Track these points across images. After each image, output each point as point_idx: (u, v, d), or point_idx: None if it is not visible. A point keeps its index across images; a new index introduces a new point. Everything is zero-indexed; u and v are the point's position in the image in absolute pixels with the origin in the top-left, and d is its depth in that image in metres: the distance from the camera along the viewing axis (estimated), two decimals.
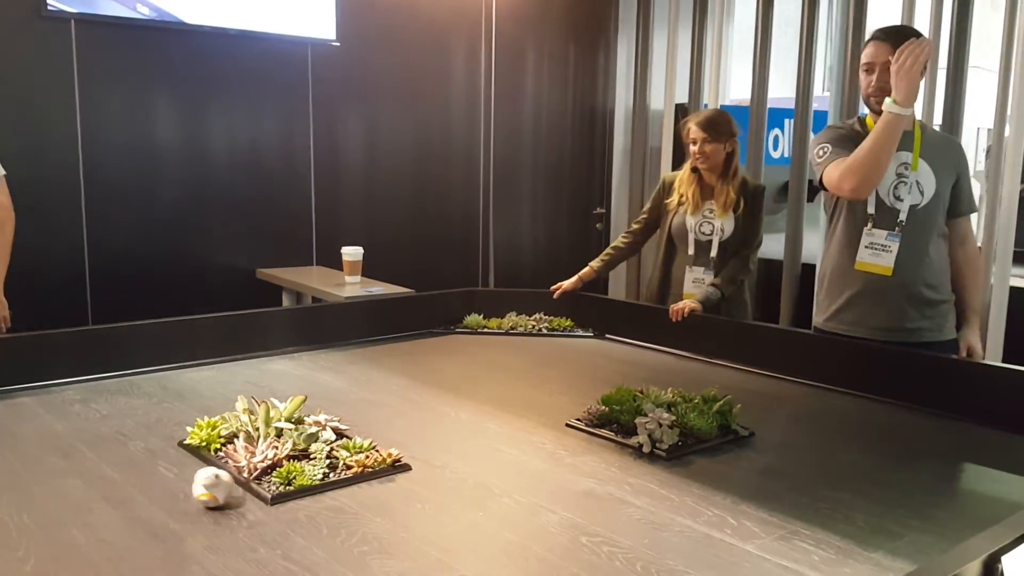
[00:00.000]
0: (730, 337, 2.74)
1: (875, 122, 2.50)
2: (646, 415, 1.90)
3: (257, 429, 1.82)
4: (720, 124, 3.04)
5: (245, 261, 4.20)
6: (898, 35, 2.44)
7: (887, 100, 2.31)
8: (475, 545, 1.41)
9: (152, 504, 1.53)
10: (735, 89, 5.32)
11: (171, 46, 3.91)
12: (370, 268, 3.92)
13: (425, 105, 4.71)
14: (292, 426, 1.82)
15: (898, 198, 2.47)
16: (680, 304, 2.84)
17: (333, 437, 1.82)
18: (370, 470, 1.68)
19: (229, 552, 1.35)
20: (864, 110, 2.60)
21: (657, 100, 4.91)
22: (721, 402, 1.98)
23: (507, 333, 3.03)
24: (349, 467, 1.68)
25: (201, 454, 1.76)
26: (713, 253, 3.06)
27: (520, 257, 5.10)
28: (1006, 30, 3.51)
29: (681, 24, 4.73)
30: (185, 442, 1.82)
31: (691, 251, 3.09)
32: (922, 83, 2.38)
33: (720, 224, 3.05)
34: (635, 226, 3.29)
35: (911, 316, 2.48)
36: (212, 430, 1.84)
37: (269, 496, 1.55)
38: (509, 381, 2.47)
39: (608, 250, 3.29)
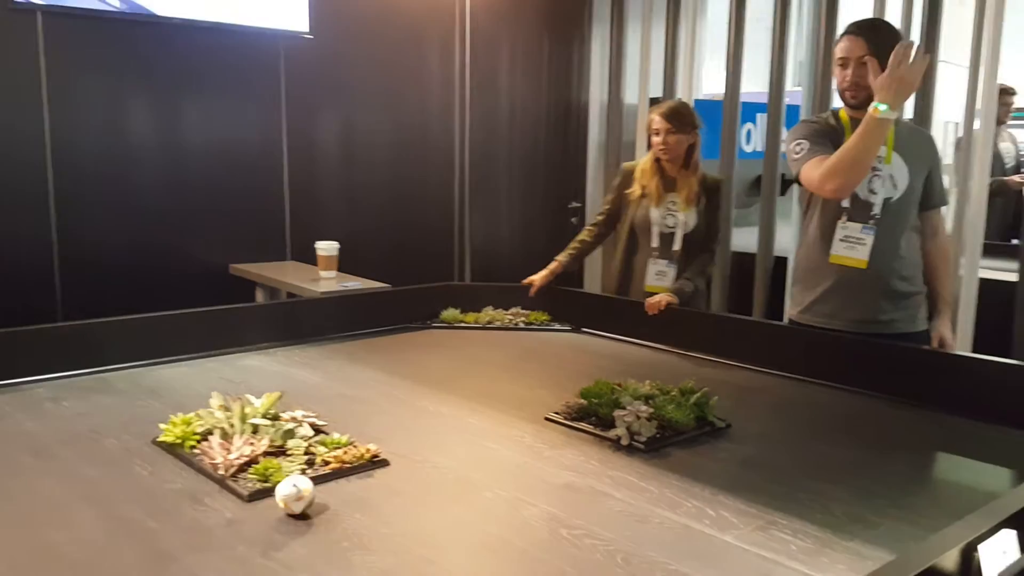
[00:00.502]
0: (706, 330, 2.76)
1: (849, 116, 2.53)
2: (624, 408, 1.90)
3: (233, 426, 1.80)
4: (684, 116, 3.06)
5: (219, 256, 4.16)
6: (872, 29, 2.47)
7: (876, 104, 2.27)
8: (457, 539, 1.40)
9: (128, 503, 1.51)
10: (708, 84, 5.35)
11: (142, 38, 3.86)
12: (346, 263, 3.89)
13: (400, 98, 4.68)
14: (268, 422, 1.81)
15: (872, 191, 2.49)
16: (656, 298, 2.86)
17: (311, 433, 1.81)
18: (349, 466, 1.66)
19: (209, 550, 1.34)
20: (838, 103, 2.61)
21: (631, 95, 4.93)
22: (698, 394, 1.99)
23: (484, 327, 3.03)
24: (327, 463, 1.67)
25: (176, 452, 1.74)
26: (676, 247, 3.09)
27: (496, 251, 5.09)
28: (975, 25, 3.56)
29: (655, 19, 4.75)
30: (159, 439, 1.80)
31: (655, 244, 3.11)
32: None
33: (684, 218, 3.08)
34: (599, 217, 3.30)
35: (884, 308, 2.51)
36: (187, 427, 1.82)
37: (247, 493, 1.54)
38: (487, 375, 2.47)
39: (574, 243, 3.29)
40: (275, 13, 4.12)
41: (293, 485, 1.47)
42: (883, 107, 2.25)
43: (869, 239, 2.47)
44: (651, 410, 1.90)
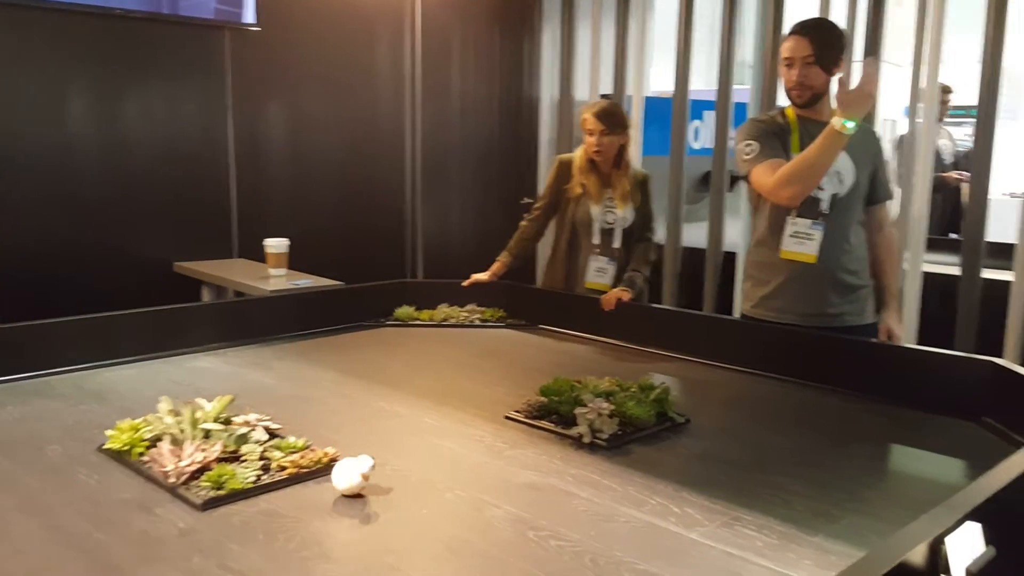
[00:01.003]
0: (662, 325, 2.77)
1: (796, 114, 2.56)
2: (585, 405, 1.89)
3: (183, 431, 1.74)
4: (617, 116, 3.08)
5: (162, 254, 4.04)
6: (817, 29, 2.51)
7: (843, 121, 2.29)
8: (421, 543, 1.37)
9: (73, 513, 1.45)
10: (657, 81, 5.38)
11: (81, 29, 3.73)
12: (296, 260, 3.82)
13: (350, 92, 4.61)
14: (221, 427, 1.75)
15: (820, 188, 2.51)
16: (611, 293, 2.86)
17: (265, 437, 1.76)
18: (306, 470, 1.62)
19: (161, 562, 1.29)
20: (784, 101, 2.64)
21: (582, 91, 4.93)
22: (658, 390, 1.99)
23: (439, 325, 3.00)
24: (283, 468, 1.62)
25: (124, 459, 1.68)
26: (616, 243, 3.11)
27: (449, 248, 5.06)
28: (917, 25, 3.63)
29: (604, 16, 4.75)
30: (106, 446, 1.73)
31: (596, 240, 3.12)
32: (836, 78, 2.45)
33: (622, 214, 3.11)
34: (536, 212, 3.29)
35: (834, 302, 2.55)
36: (134, 433, 1.75)
37: (200, 502, 1.48)
38: (445, 374, 2.44)
39: (514, 238, 3.28)
40: (220, 3, 4.02)
41: (357, 475, 1.52)
42: (850, 124, 2.29)
43: (818, 234, 2.50)
44: (612, 407, 1.89)
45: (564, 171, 3.19)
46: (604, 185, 3.12)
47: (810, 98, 2.51)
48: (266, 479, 1.59)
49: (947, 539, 1.09)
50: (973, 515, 1.14)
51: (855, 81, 2.35)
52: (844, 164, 2.52)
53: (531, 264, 4.65)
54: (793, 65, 2.48)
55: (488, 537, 1.39)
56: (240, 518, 1.44)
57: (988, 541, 1.13)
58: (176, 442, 1.71)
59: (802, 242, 2.52)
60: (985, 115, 3.46)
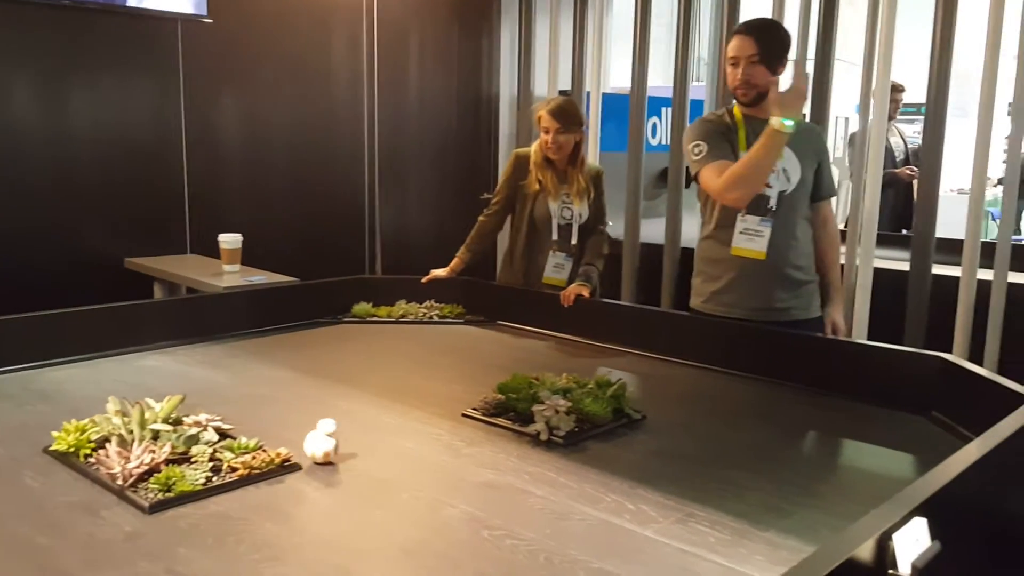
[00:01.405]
0: (620, 321, 2.78)
1: (743, 113, 2.60)
2: (542, 402, 1.89)
3: (131, 432, 1.71)
4: (573, 114, 3.08)
5: (112, 249, 3.96)
6: (760, 29, 2.55)
7: (783, 120, 2.35)
8: (374, 545, 1.36)
9: (17, 517, 1.41)
10: (616, 77, 5.40)
11: (29, 20, 3.63)
12: (252, 257, 3.76)
13: (306, 86, 4.55)
14: (170, 428, 1.72)
15: (767, 185, 2.56)
16: (570, 289, 2.87)
17: (216, 438, 1.72)
18: (257, 471, 1.59)
19: (107, 567, 1.26)
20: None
21: (541, 86, 4.92)
22: (615, 386, 1.99)
23: (397, 321, 2.98)
24: (234, 469, 1.60)
25: (70, 461, 1.64)
26: (573, 240, 3.13)
27: (408, 243, 5.02)
28: (869, 24, 3.68)
29: (562, 12, 4.75)
30: (52, 448, 1.69)
31: (554, 237, 3.13)
32: (790, 76, 2.49)
33: (578, 210, 3.12)
34: (494, 207, 3.27)
35: (781, 296, 2.60)
36: (81, 434, 1.71)
37: (147, 505, 1.45)
38: (402, 371, 2.42)
39: (472, 235, 3.27)
40: None
41: (324, 447, 1.65)
42: (788, 123, 2.35)
43: (766, 231, 2.55)
44: (569, 404, 1.89)
45: (521, 166, 3.18)
46: (561, 181, 3.13)
47: (755, 97, 2.54)
48: (217, 481, 1.56)
49: (894, 535, 1.10)
50: (919, 511, 1.15)
51: (790, 82, 2.41)
52: (790, 162, 2.57)
53: (491, 260, 4.64)
54: (738, 64, 2.52)
55: (443, 537, 1.39)
56: (189, 521, 1.42)
57: (934, 536, 1.15)
58: (124, 443, 1.68)
59: (752, 239, 2.56)
60: (934, 112, 3.52)
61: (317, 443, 1.67)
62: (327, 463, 1.66)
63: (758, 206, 2.56)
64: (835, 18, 3.80)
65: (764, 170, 2.44)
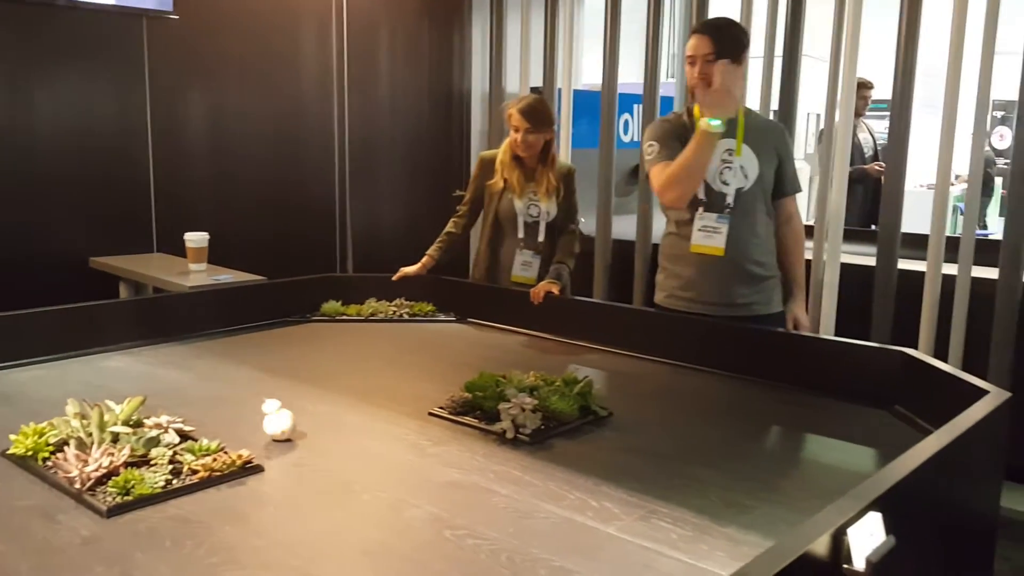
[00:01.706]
0: (589, 318, 2.78)
1: (700, 112, 2.61)
2: (509, 401, 1.89)
3: (90, 435, 1.68)
4: (543, 113, 3.08)
5: (77, 249, 3.90)
6: (715, 29, 2.58)
7: (709, 120, 2.40)
8: (334, 548, 1.35)
9: None
10: (588, 74, 5.40)
11: None
12: (221, 256, 3.72)
13: (274, 83, 4.51)
14: (130, 430, 1.69)
15: (725, 183, 2.59)
16: (540, 286, 2.87)
17: (177, 440, 1.71)
18: (218, 474, 1.58)
19: (62, 572, 1.24)
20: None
21: (512, 83, 4.92)
22: (581, 384, 2.00)
23: (367, 320, 2.96)
24: (195, 472, 1.58)
25: (28, 465, 1.61)
26: (541, 237, 3.13)
27: (380, 241, 5.00)
28: (835, 21, 3.71)
29: (534, 8, 4.75)
30: (9, 452, 1.66)
31: (520, 235, 3.14)
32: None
33: (546, 208, 3.12)
34: (463, 208, 3.30)
35: (742, 292, 2.62)
36: (39, 438, 1.69)
37: (105, 508, 1.43)
38: (370, 370, 2.41)
39: (442, 236, 3.28)
40: None
41: (281, 425, 1.78)
42: (715, 123, 2.40)
43: (724, 227, 2.58)
44: (535, 402, 1.89)
45: (486, 168, 3.20)
46: (528, 179, 3.12)
47: None
48: (177, 483, 1.54)
49: (849, 530, 1.11)
50: (875, 505, 1.16)
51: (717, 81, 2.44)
52: (748, 159, 2.59)
53: (464, 258, 4.63)
54: (695, 63, 2.55)
55: (405, 538, 1.38)
56: (147, 524, 1.40)
57: (889, 530, 1.16)
58: (83, 446, 1.65)
59: (710, 235, 2.60)
60: (899, 108, 3.55)
61: (274, 422, 1.78)
62: (287, 440, 1.78)
63: (716, 203, 2.60)
64: (802, 14, 3.83)
65: (696, 171, 2.49)
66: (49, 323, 2.43)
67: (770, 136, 2.68)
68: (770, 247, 2.68)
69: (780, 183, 2.68)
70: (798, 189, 2.75)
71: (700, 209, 2.61)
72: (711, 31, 2.55)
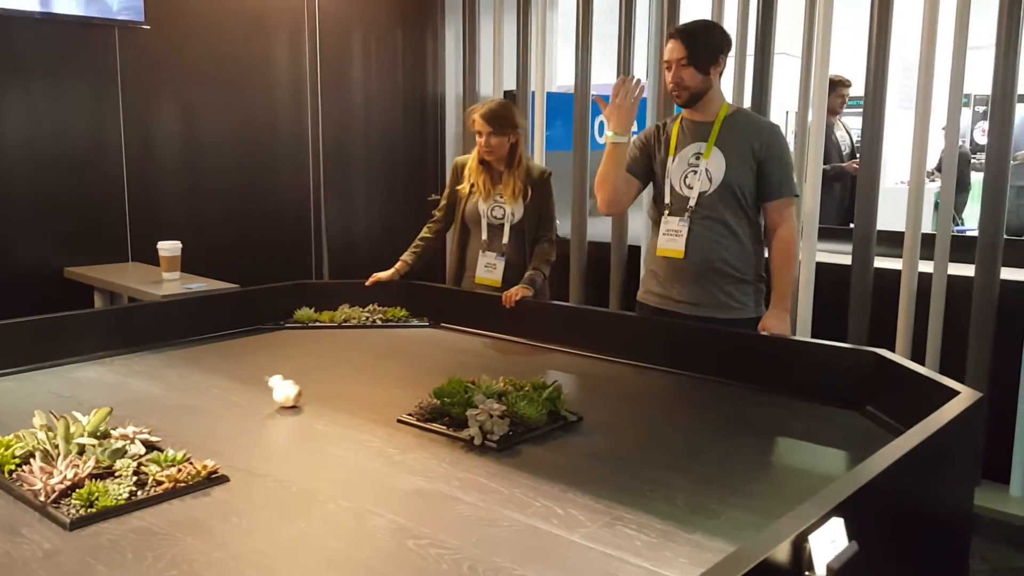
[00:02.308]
0: (561, 321, 2.78)
1: (682, 116, 2.68)
2: (476, 407, 1.88)
3: (56, 447, 1.67)
4: (504, 117, 3.07)
5: (51, 259, 3.87)
6: (688, 32, 2.60)
7: (607, 132, 2.56)
8: (296, 558, 1.34)
9: None
10: (563, 75, 5.39)
11: None
12: (195, 265, 3.70)
13: (247, 91, 4.48)
14: (95, 441, 1.68)
15: (688, 186, 2.62)
16: (511, 291, 2.86)
17: (143, 451, 1.69)
18: (183, 485, 1.57)
19: None
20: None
21: (486, 86, 4.91)
22: (550, 388, 1.99)
23: (340, 326, 2.95)
24: (160, 483, 1.57)
25: None
26: (505, 239, 3.12)
27: (355, 247, 4.98)
28: (807, 18, 3.72)
29: (506, 11, 4.74)
30: None
31: (484, 236, 3.14)
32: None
33: (511, 209, 3.11)
34: (437, 213, 3.31)
35: (710, 292, 2.61)
36: (5, 450, 1.67)
37: (68, 521, 1.42)
38: (340, 377, 2.40)
39: (417, 242, 3.28)
40: (107, 2, 3.85)
41: (287, 392, 2.04)
42: (610, 134, 2.56)
43: (684, 230, 2.60)
44: (504, 407, 1.88)
45: (458, 173, 3.22)
46: (495, 182, 3.13)
47: (688, 98, 2.61)
48: (141, 495, 1.53)
49: (811, 536, 1.11)
50: (837, 511, 1.16)
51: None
52: (715, 161, 2.59)
53: (439, 262, 4.62)
54: (671, 68, 2.58)
55: (368, 548, 1.37)
56: (109, 537, 1.39)
57: (851, 536, 1.16)
58: (48, 458, 1.64)
59: (672, 239, 2.63)
60: (873, 105, 3.55)
61: (281, 390, 2.02)
62: (294, 407, 2.03)
63: (679, 207, 2.63)
64: (774, 10, 3.82)
65: (604, 178, 2.63)
66: (19, 334, 2.41)
67: (751, 138, 2.60)
68: (742, 251, 2.63)
69: (764, 187, 2.60)
70: (787, 194, 2.62)
71: (665, 212, 2.64)
72: (683, 35, 2.57)
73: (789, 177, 2.65)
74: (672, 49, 2.57)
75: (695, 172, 2.60)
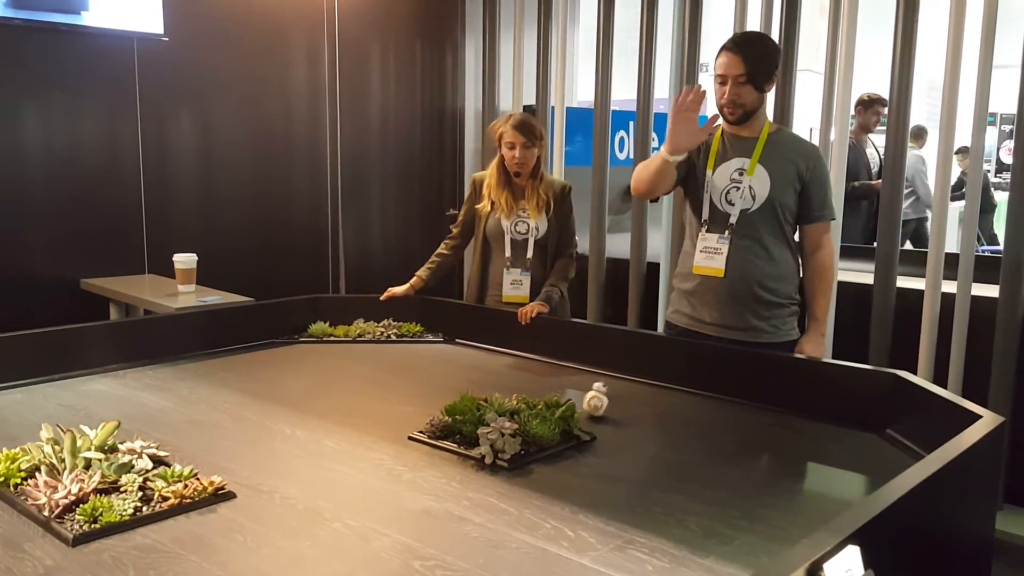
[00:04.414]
0: (576, 339, 2.75)
1: (727, 131, 2.57)
2: (488, 425, 1.85)
3: (62, 461, 1.66)
4: (535, 127, 3.05)
5: (67, 271, 3.88)
6: (750, 46, 2.48)
7: (668, 153, 2.40)
8: None
9: None
10: (584, 91, 5.38)
11: None
12: (211, 277, 3.70)
13: (265, 104, 4.50)
14: (102, 456, 1.66)
15: (730, 203, 2.52)
16: (527, 307, 2.83)
17: (150, 465, 1.67)
18: (189, 501, 1.55)
19: None
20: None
21: (506, 101, 4.90)
22: (563, 408, 1.96)
23: (354, 341, 2.93)
24: (165, 499, 1.55)
25: None
26: (529, 254, 3.08)
27: (371, 261, 4.97)
28: (830, 36, 3.68)
29: (527, 26, 4.74)
30: None
31: (508, 252, 3.09)
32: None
33: (535, 224, 3.07)
34: (455, 230, 3.27)
35: (743, 316, 2.53)
36: (11, 463, 1.66)
37: (71, 536, 1.40)
38: (352, 392, 2.37)
39: (433, 258, 3.24)
40: (127, 14, 3.88)
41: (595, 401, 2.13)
42: (673, 157, 2.42)
43: (725, 248, 2.51)
44: (515, 426, 1.85)
45: (477, 189, 3.17)
46: (517, 197, 3.09)
47: (741, 116, 2.50)
48: (146, 511, 1.51)
49: (826, 564, 1.07)
50: (854, 538, 1.12)
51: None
52: (759, 179, 2.50)
53: (452, 279, 4.60)
54: (725, 82, 2.46)
55: (372, 569, 1.34)
56: (112, 554, 1.37)
57: (867, 564, 1.12)
58: (54, 472, 1.63)
59: (711, 256, 2.53)
60: (896, 124, 3.51)
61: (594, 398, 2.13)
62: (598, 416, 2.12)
63: (718, 224, 2.53)
64: (796, 27, 3.79)
65: (645, 173, 2.50)
66: (30, 346, 2.41)
67: (795, 158, 2.53)
68: (783, 273, 2.55)
69: (805, 209, 2.54)
70: (827, 217, 2.57)
71: (703, 229, 2.54)
72: (743, 49, 2.43)
73: (830, 200, 2.61)
74: (729, 64, 2.43)
75: (737, 189, 2.51)
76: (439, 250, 3.25)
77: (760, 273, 2.53)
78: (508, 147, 3.02)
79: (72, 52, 3.80)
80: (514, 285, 3.06)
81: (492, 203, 3.09)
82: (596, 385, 2.16)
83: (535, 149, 3.03)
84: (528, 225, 3.07)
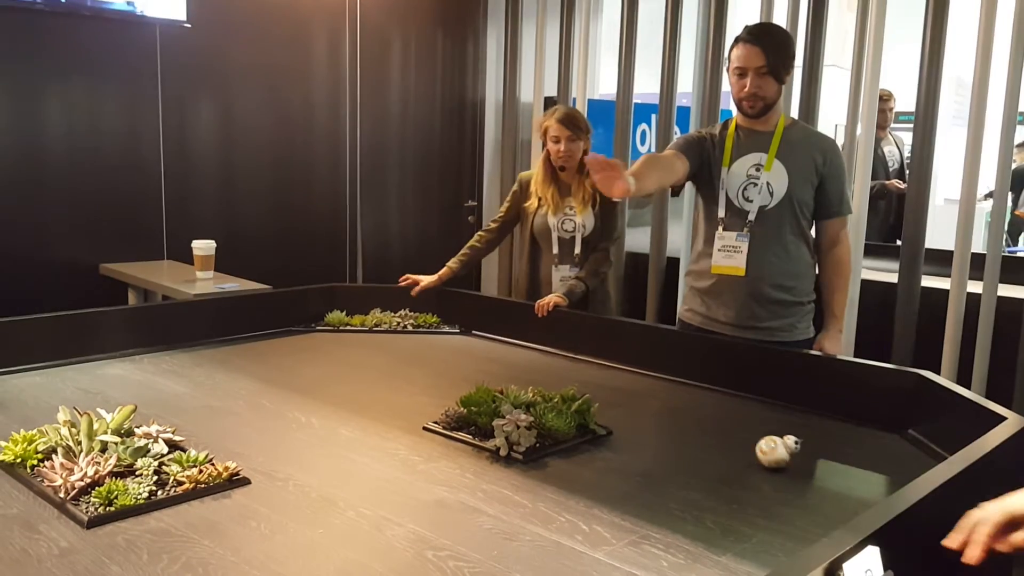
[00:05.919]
0: (594, 333, 2.73)
1: (743, 125, 2.51)
2: (503, 417, 1.84)
3: (79, 443, 1.66)
4: (581, 121, 3.02)
5: (87, 255, 3.91)
6: (769, 36, 2.41)
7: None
8: (310, 566, 1.30)
9: None
10: (606, 83, 5.35)
11: (3, 24, 3.58)
12: (229, 264, 3.71)
13: (286, 93, 4.51)
14: (118, 439, 1.67)
15: (747, 199, 2.47)
16: (545, 299, 2.82)
17: (165, 450, 1.68)
18: (203, 486, 1.55)
19: None
20: (725, 105, 2.60)
21: (527, 93, 4.88)
22: (579, 401, 1.94)
23: (371, 331, 2.93)
24: (180, 483, 1.55)
25: (15, 472, 1.59)
26: (577, 250, 3.04)
27: (389, 251, 4.97)
28: (858, 31, 3.64)
29: (549, 18, 4.71)
30: None
31: (555, 250, 3.06)
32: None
33: (581, 221, 3.04)
34: (492, 224, 3.25)
35: (759, 315, 2.49)
36: (28, 445, 1.67)
37: (86, 519, 1.41)
38: (368, 382, 2.37)
39: (465, 249, 3.22)
40: (150, 0, 3.89)
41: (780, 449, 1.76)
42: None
43: (744, 246, 2.46)
44: (531, 419, 1.84)
45: (524, 188, 3.15)
46: (564, 195, 3.06)
47: (762, 109, 2.44)
48: (161, 495, 1.51)
49: (845, 564, 1.05)
50: (873, 538, 1.10)
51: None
52: (777, 175, 2.45)
53: (476, 271, 4.59)
54: (744, 75, 2.40)
55: (384, 559, 1.33)
56: (126, 537, 1.37)
57: (887, 566, 1.10)
58: (70, 455, 1.63)
59: (730, 255, 2.48)
60: (924, 121, 3.47)
61: (776, 450, 1.76)
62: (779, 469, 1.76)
63: (736, 221, 2.48)
64: (824, 22, 3.75)
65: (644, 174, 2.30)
66: (48, 329, 2.43)
67: (813, 153, 2.48)
68: (800, 271, 2.51)
69: (823, 204, 2.49)
70: (845, 212, 2.54)
71: (720, 227, 2.49)
72: (762, 40, 2.37)
73: (846, 195, 2.56)
74: (749, 56, 2.37)
75: (755, 185, 2.45)
76: (471, 242, 3.23)
77: (778, 271, 2.48)
78: (553, 141, 3.00)
79: (95, 37, 3.82)
80: (563, 282, 3.01)
81: (540, 200, 3.06)
82: (788, 438, 1.81)
83: (580, 142, 3.00)
84: (575, 223, 3.03)
